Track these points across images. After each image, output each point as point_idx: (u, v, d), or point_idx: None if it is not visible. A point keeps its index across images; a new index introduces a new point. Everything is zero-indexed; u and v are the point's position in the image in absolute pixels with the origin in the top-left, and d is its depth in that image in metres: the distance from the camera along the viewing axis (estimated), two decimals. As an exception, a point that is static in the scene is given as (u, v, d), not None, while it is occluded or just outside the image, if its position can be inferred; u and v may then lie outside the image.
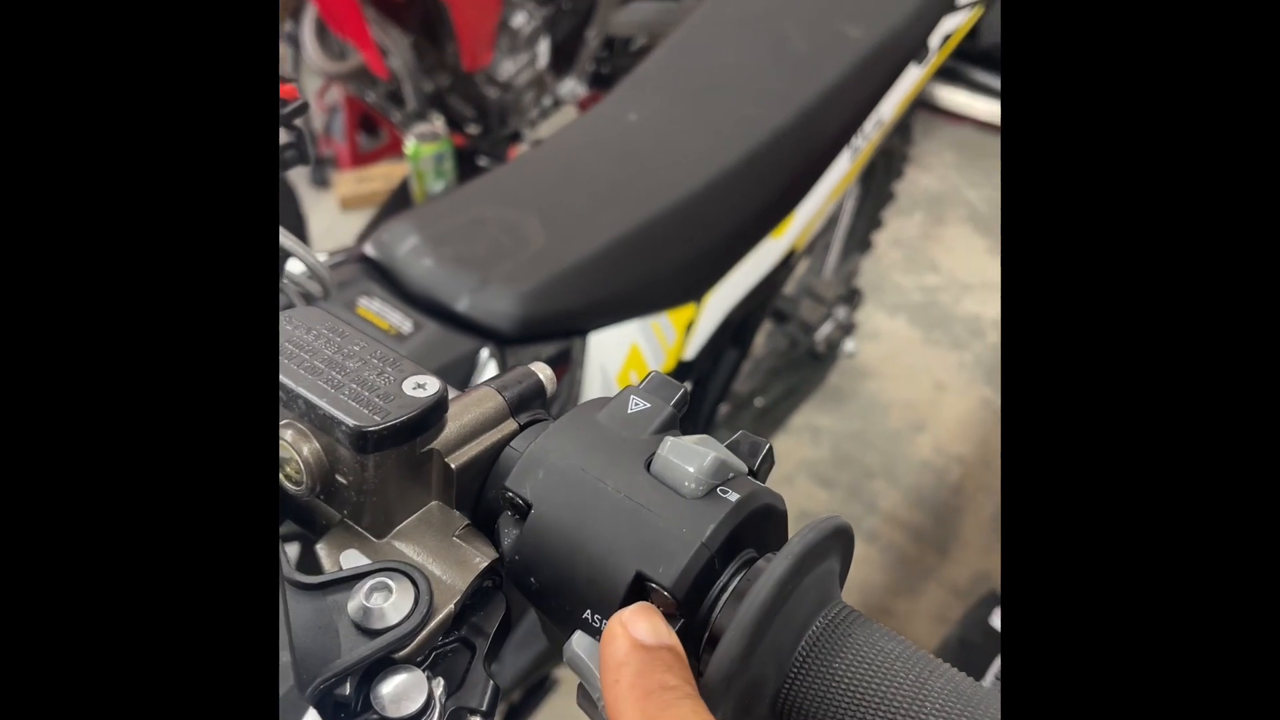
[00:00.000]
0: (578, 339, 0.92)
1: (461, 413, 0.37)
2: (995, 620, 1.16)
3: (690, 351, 1.08)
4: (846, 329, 1.87)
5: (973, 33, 1.35)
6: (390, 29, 1.80)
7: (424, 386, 0.35)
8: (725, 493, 0.34)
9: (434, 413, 0.35)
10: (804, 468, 1.92)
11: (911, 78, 1.22)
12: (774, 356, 1.73)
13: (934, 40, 1.22)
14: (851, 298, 1.84)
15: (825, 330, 1.74)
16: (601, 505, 0.33)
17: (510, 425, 0.38)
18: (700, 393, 1.26)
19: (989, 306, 2.25)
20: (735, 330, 1.23)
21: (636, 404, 0.37)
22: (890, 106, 1.21)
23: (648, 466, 0.34)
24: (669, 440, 0.34)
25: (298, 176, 2.26)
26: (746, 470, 0.36)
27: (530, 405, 0.39)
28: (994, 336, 2.18)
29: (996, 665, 1.17)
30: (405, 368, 0.36)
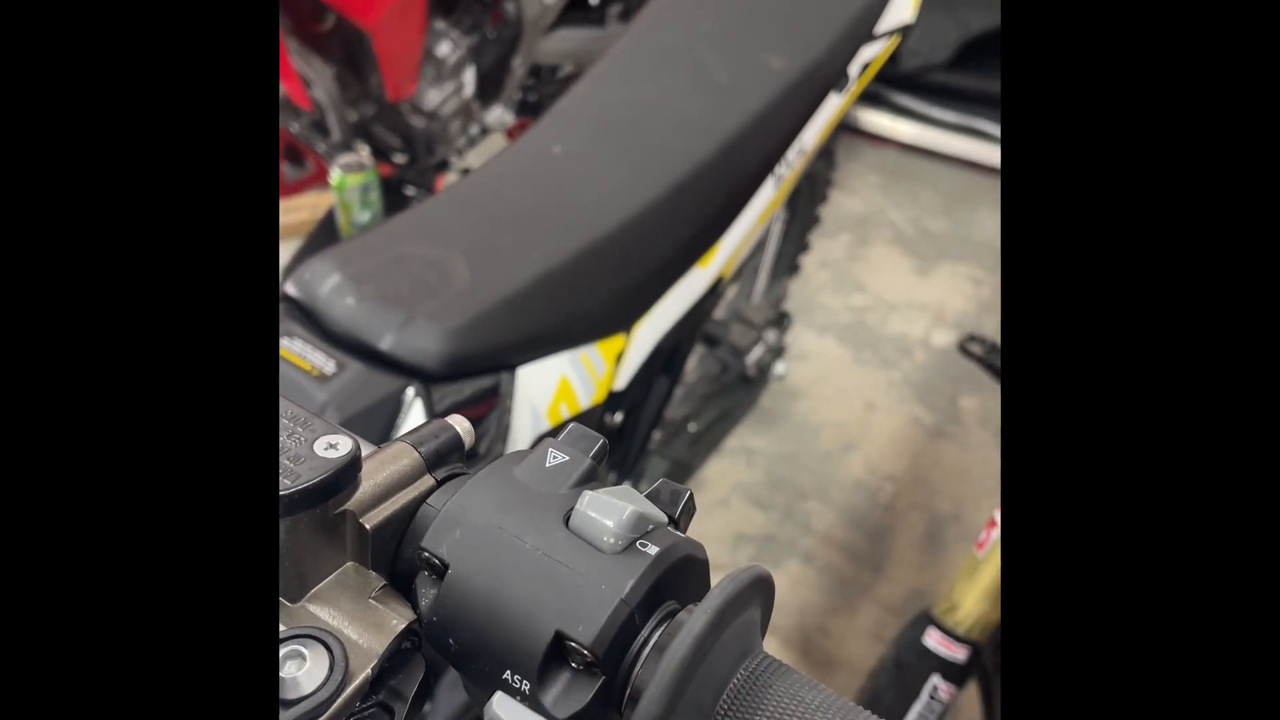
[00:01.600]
0: (506, 374, 0.91)
1: (376, 470, 0.36)
2: (929, 640, 1.18)
3: (621, 382, 1.08)
4: (777, 352, 1.89)
5: (894, 58, 1.38)
6: (312, 59, 1.78)
7: (336, 446, 0.34)
8: (645, 546, 0.33)
9: (346, 474, 0.34)
10: (739, 490, 1.92)
11: (832, 106, 1.24)
12: (706, 381, 1.74)
13: (853, 69, 1.25)
14: (781, 321, 1.86)
15: (756, 354, 1.76)
16: (519, 564, 0.33)
17: (427, 481, 0.37)
18: (633, 421, 1.26)
19: (916, 325, 2.29)
20: (666, 359, 1.23)
21: (555, 457, 0.36)
22: (812, 135, 1.23)
23: (566, 522, 0.34)
24: (587, 494, 0.34)
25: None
26: (667, 520, 0.36)
27: (448, 459, 0.38)
28: (921, 355, 2.22)
29: (930, 684, 1.18)
30: (316, 427, 0.35)
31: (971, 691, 1.24)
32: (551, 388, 0.96)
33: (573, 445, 0.37)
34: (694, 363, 1.74)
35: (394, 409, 0.82)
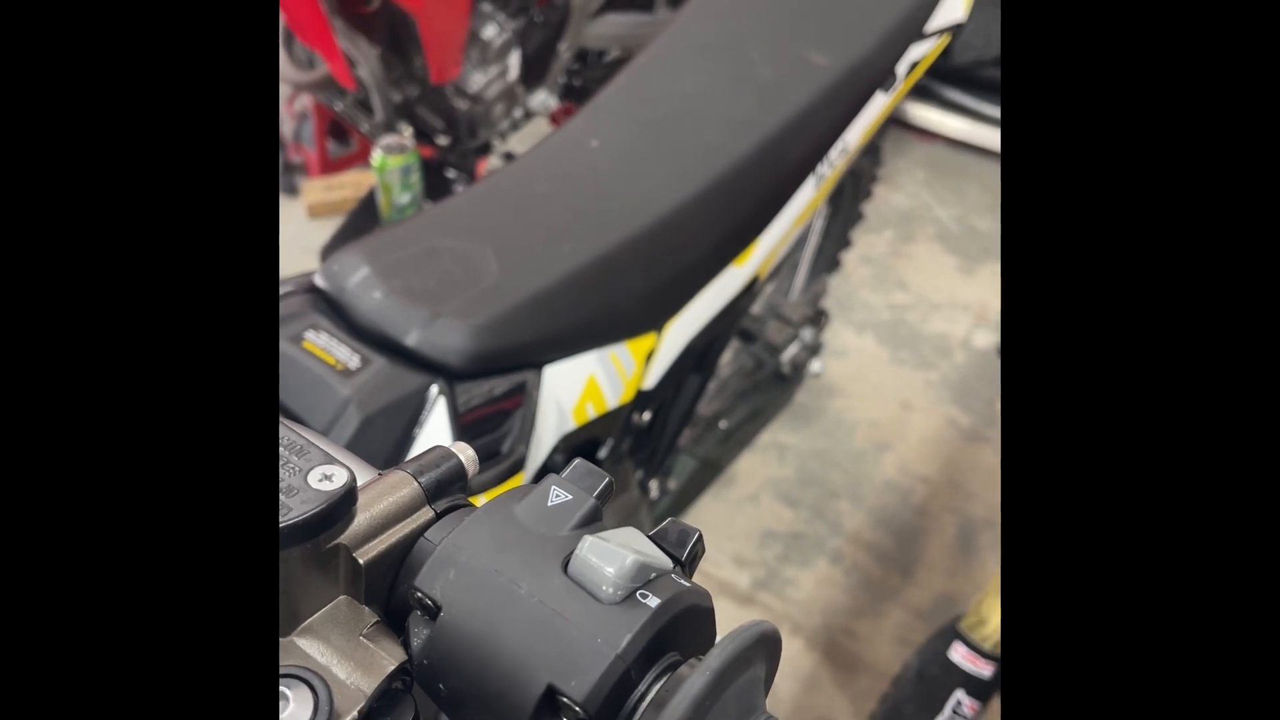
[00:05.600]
0: (532, 372, 0.90)
1: (372, 501, 0.35)
2: (954, 654, 1.16)
3: (650, 381, 1.07)
4: (813, 350, 1.86)
5: (946, 51, 1.35)
6: (358, 40, 1.78)
7: (331, 478, 0.33)
8: (645, 597, 0.32)
9: (340, 507, 0.33)
10: (769, 486, 1.91)
11: (878, 105, 1.22)
12: (739, 377, 1.72)
13: (901, 68, 1.22)
14: (818, 319, 1.83)
15: (791, 352, 1.73)
16: (514, 611, 0.32)
17: (426, 514, 0.36)
18: (662, 419, 1.25)
19: (957, 325, 2.25)
20: (698, 358, 1.21)
21: (557, 495, 0.35)
22: (856, 134, 1.20)
23: (565, 567, 0.33)
24: (588, 539, 0.33)
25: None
26: (672, 565, 0.34)
27: (449, 490, 0.37)
28: (961, 356, 2.18)
29: (954, 699, 1.16)
30: (313, 456, 0.34)
31: (996, 708, 1.22)
32: (578, 387, 0.95)
33: (576, 483, 0.36)
34: (727, 358, 1.72)
35: (417, 406, 0.81)
